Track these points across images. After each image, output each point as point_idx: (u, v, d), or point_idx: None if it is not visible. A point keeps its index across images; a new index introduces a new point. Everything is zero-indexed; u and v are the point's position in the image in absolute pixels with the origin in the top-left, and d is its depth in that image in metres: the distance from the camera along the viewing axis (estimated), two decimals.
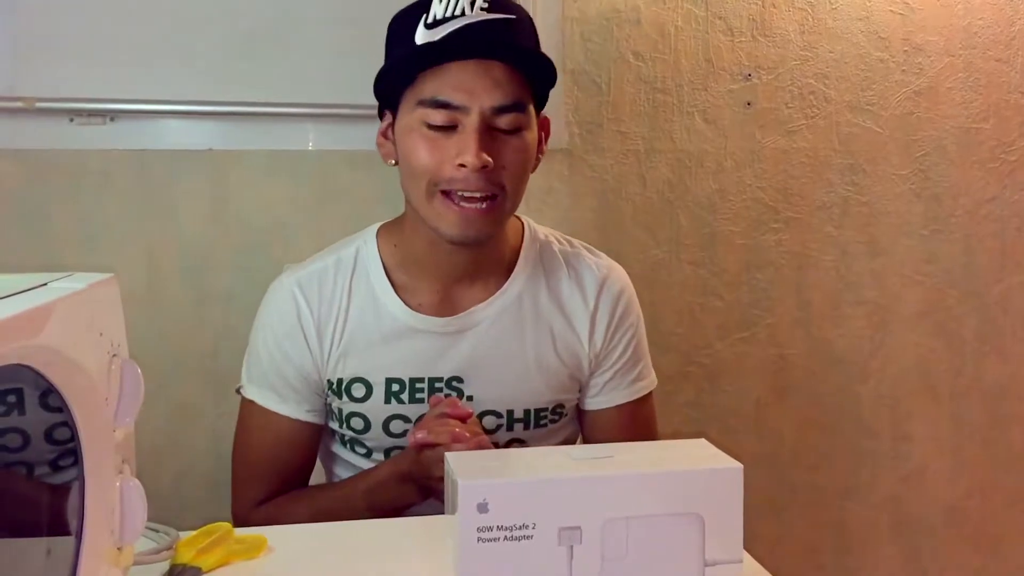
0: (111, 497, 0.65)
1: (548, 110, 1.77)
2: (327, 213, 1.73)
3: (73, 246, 1.63)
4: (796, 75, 1.91)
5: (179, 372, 1.69)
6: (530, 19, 1.13)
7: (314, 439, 1.20)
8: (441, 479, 0.87)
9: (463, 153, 1.04)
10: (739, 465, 0.76)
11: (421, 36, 1.06)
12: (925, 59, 1.97)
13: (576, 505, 0.73)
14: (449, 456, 0.81)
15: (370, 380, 1.15)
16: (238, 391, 1.22)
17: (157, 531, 0.93)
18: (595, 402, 1.23)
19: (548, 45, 1.78)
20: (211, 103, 1.66)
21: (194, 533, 0.91)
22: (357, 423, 1.17)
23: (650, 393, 1.26)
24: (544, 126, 1.17)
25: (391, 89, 1.11)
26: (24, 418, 0.60)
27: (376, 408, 1.16)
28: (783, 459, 1.95)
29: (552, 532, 0.73)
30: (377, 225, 1.23)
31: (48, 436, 0.62)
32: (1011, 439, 2.09)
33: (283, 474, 1.18)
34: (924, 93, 1.98)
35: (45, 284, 0.62)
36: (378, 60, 1.82)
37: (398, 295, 1.16)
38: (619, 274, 1.25)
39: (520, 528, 0.72)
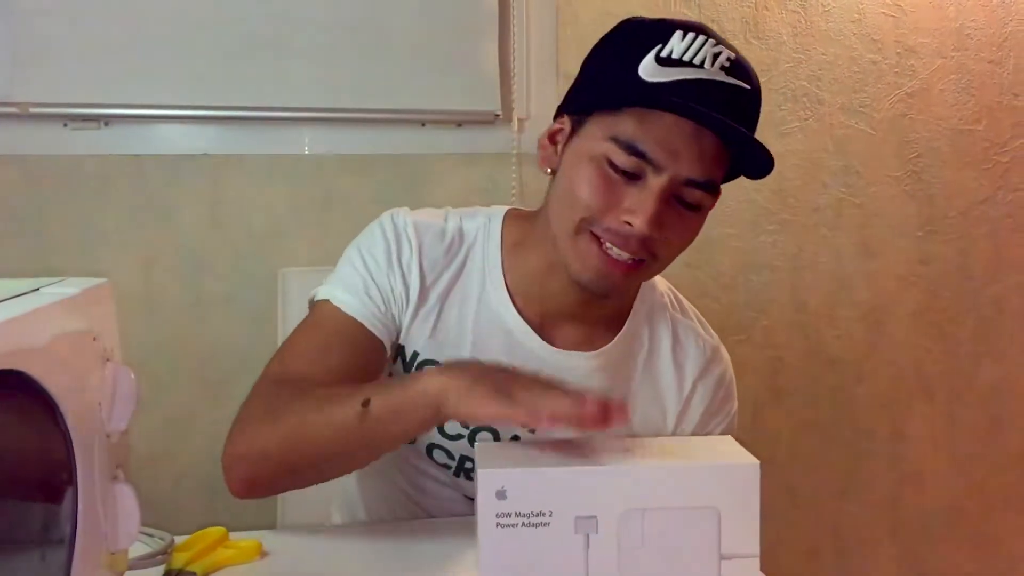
0: (105, 502, 0.65)
1: (541, 113, 1.79)
2: (324, 217, 1.73)
3: (69, 252, 1.63)
4: (789, 77, 1.92)
5: (176, 377, 1.69)
6: (760, 93, 0.99)
7: (368, 358, 1.02)
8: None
9: (636, 212, 0.93)
10: (756, 461, 0.78)
11: (648, 70, 0.93)
12: (918, 61, 1.98)
13: (592, 495, 0.75)
14: (477, 445, 0.83)
15: None
16: (310, 301, 1.08)
17: (152, 536, 0.93)
18: None
19: (543, 49, 1.80)
20: (206, 107, 1.66)
21: (189, 537, 0.92)
22: None
23: None
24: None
25: (586, 102, 0.99)
26: None
27: None
28: (780, 461, 1.95)
29: (568, 520, 0.75)
30: (505, 209, 1.11)
31: None
32: (1007, 439, 2.09)
33: (319, 373, 0.99)
34: (917, 95, 1.98)
35: (37, 289, 0.63)
36: (373, 66, 1.83)
37: (508, 293, 1.06)
38: (723, 356, 1.15)
39: (537, 515, 0.74)
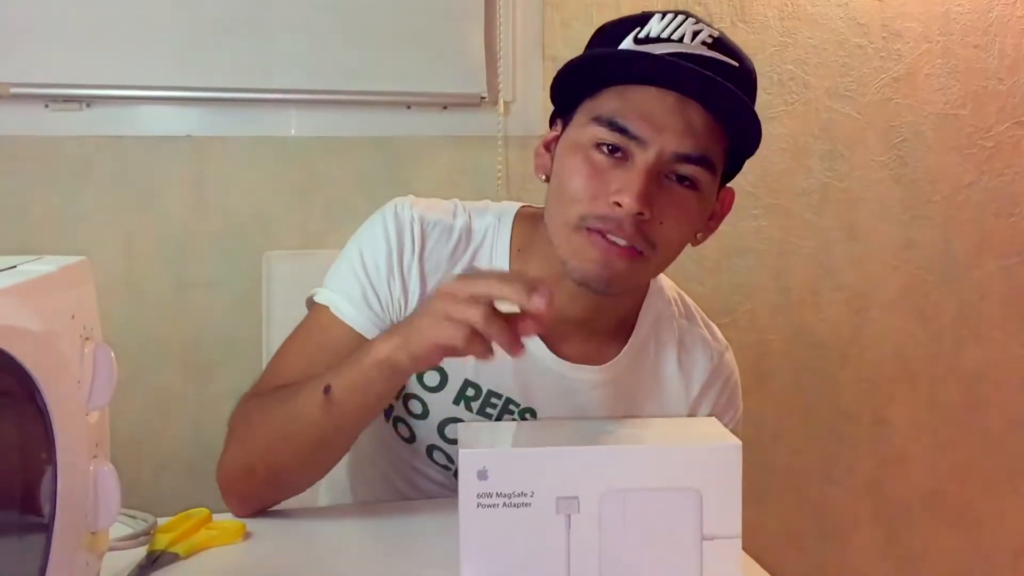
0: (84, 481, 0.64)
1: (527, 96, 1.79)
2: (308, 200, 1.72)
3: (50, 234, 1.62)
4: (775, 61, 1.91)
5: (159, 361, 1.68)
6: (754, 74, 0.96)
7: None
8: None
9: (623, 192, 0.89)
10: (738, 443, 0.78)
11: (626, 47, 0.92)
12: (904, 45, 1.98)
13: (574, 476, 0.75)
14: (460, 426, 0.83)
15: (448, 372, 1.03)
16: (308, 301, 1.06)
17: (135, 517, 0.93)
18: None
19: (529, 31, 1.79)
20: (190, 88, 1.64)
21: (172, 519, 0.91)
22: (415, 406, 1.05)
23: None
24: (726, 200, 1.02)
25: (570, 95, 0.97)
26: None
27: (442, 403, 1.03)
28: (763, 444, 1.96)
29: (550, 501, 0.75)
30: (516, 208, 1.07)
31: None
32: (988, 423, 2.11)
33: None
34: (902, 79, 1.99)
35: (15, 267, 0.62)
36: (358, 48, 1.82)
37: None
38: (729, 361, 1.13)
39: (519, 496, 0.75)
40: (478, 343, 0.78)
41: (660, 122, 0.90)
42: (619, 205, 0.90)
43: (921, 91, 2.00)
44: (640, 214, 0.89)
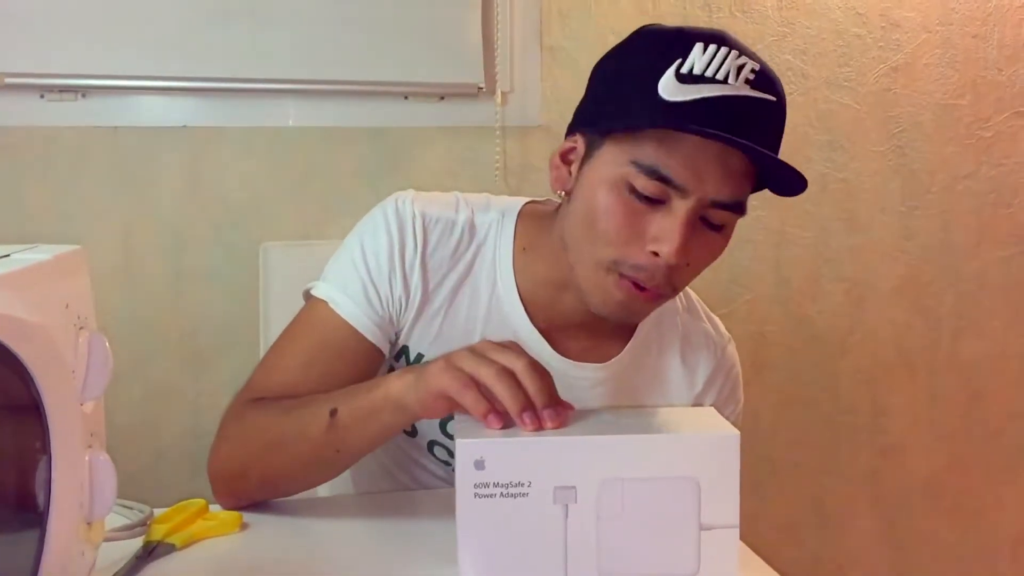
0: (80, 471, 0.64)
1: (525, 86, 1.78)
2: (305, 190, 1.72)
3: (47, 225, 1.61)
4: (774, 51, 1.91)
5: (156, 351, 1.68)
6: (785, 102, 0.94)
7: (359, 367, 0.99)
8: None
9: (661, 241, 0.88)
10: (736, 432, 0.78)
11: (669, 88, 0.87)
12: (902, 35, 1.97)
13: (571, 465, 0.75)
14: (457, 416, 0.82)
15: None
16: (305, 294, 1.05)
17: (131, 508, 0.93)
18: None
19: (526, 21, 1.78)
20: (186, 78, 1.63)
21: (168, 509, 0.91)
22: None
23: None
24: None
25: (602, 122, 0.93)
26: None
27: None
28: (761, 435, 1.96)
29: (547, 490, 0.75)
30: (520, 205, 1.06)
31: None
32: (987, 414, 2.11)
33: (302, 389, 0.97)
34: (901, 69, 1.98)
35: (8, 255, 0.62)
36: (354, 37, 1.81)
37: (519, 297, 1.02)
38: (731, 354, 1.14)
39: (516, 486, 0.74)
40: (474, 394, 0.77)
41: (702, 171, 0.88)
42: (656, 254, 0.89)
43: (920, 81, 1.99)
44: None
